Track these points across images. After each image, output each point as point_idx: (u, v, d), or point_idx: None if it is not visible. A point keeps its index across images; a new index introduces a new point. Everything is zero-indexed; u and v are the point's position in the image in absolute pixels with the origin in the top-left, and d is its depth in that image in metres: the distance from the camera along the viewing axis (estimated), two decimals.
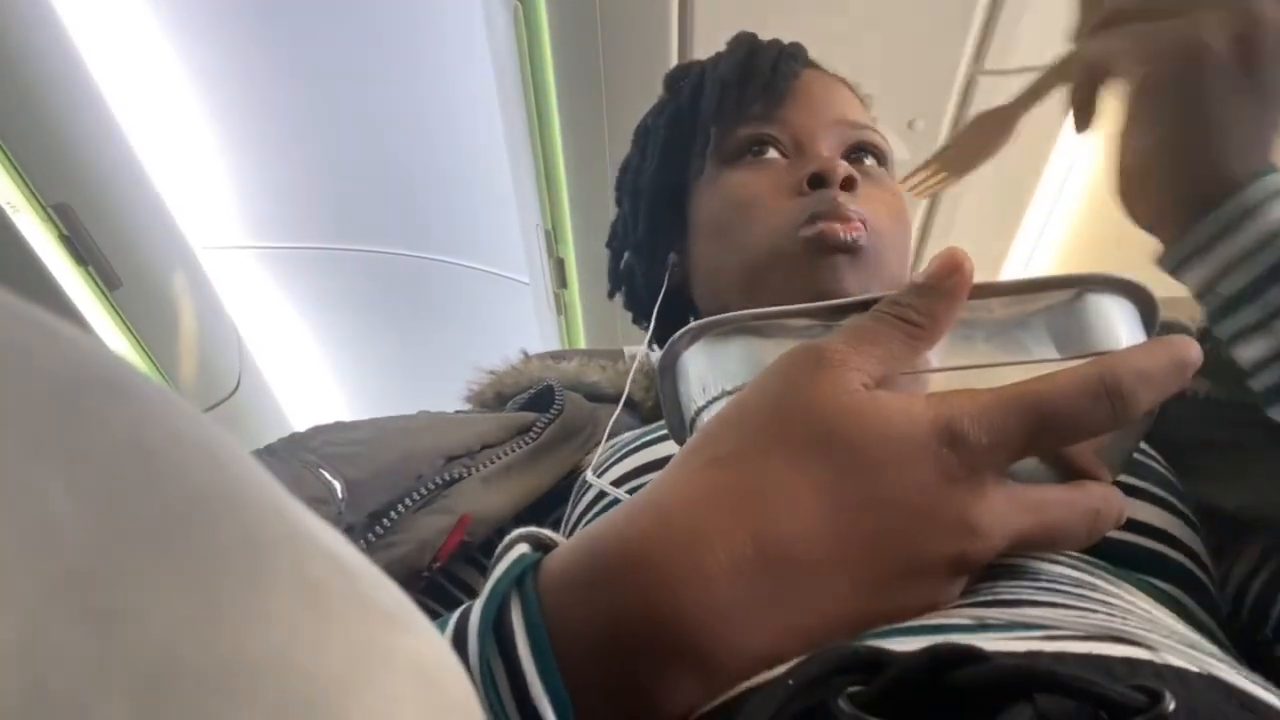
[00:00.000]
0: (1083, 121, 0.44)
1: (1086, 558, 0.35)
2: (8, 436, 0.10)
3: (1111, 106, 0.42)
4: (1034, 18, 1.10)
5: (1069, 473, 0.31)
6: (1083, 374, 0.27)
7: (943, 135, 1.28)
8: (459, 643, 0.26)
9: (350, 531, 0.42)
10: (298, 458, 0.44)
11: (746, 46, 0.59)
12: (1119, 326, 0.31)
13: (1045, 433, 0.27)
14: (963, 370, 0.30)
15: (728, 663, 0.25)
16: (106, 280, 1.45)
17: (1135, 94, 0.40)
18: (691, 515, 0.26)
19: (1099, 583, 0.31)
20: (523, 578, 0.27)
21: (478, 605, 0.26)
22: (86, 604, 0.10)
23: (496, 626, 0.26)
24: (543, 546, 0.29)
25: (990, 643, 0.23)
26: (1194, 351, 0.29)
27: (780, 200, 0.53)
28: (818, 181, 0.52)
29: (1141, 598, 0.32)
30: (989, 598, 0.28)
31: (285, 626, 0.11)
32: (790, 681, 0.22)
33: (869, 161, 0.57)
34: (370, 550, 0.42)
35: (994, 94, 1.22)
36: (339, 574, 0.12)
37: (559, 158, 1.26)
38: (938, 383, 0.30)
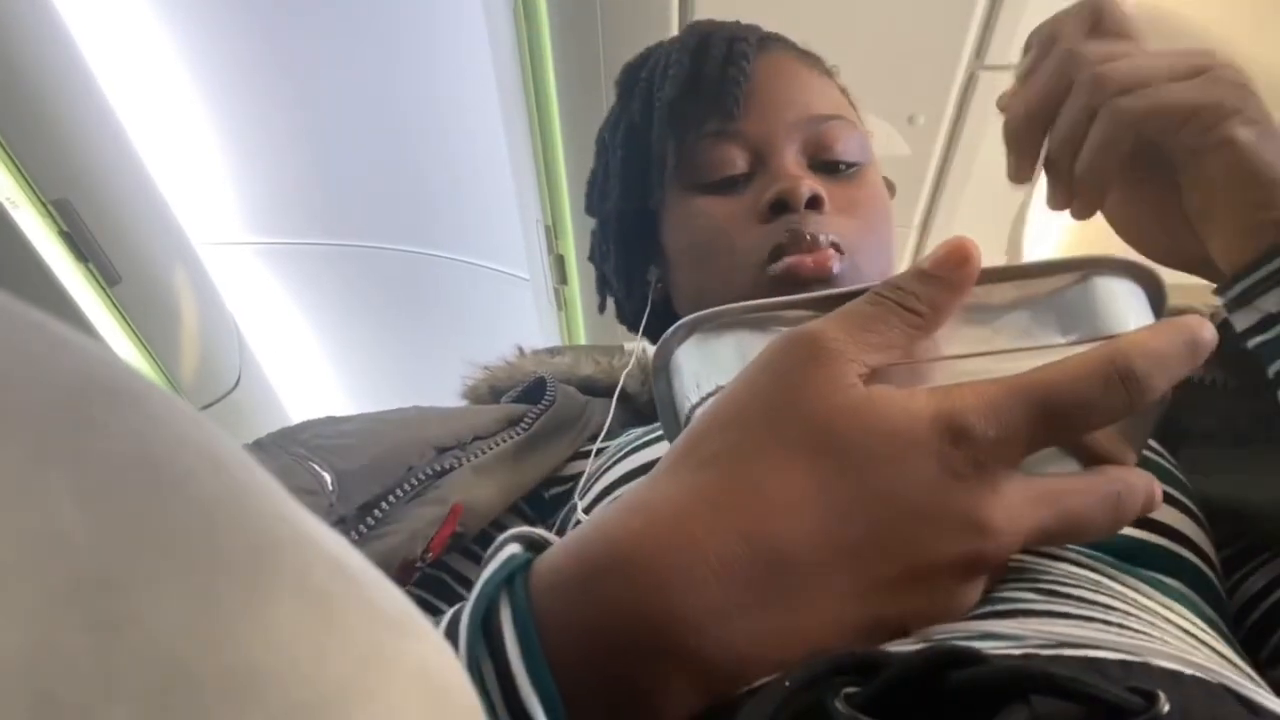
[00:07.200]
0: (1025, 171, 0.43)
1: (1096, 554, 0.34)
2: (14, 443, 0.10)
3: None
4: (1035, 13, 1.10)
5: (1087, 458, 0.30)
6: (1093, 359, 0.26)
7: (943, 131, 1.28)
8: (450, 644, 0.26)
9: (342, 523, 0.42)
10: (287, 451, 0.44)
11: (694, 45, 0.55)
12: (1127, 310, 0.29)
13: (1056, 423, 0.26)
14: (965, 358, 0.29)
15: (723, 664, 0.25)
16: (106, 276, 1.45)
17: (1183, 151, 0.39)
18: (680, 515, 0.26)
19: (1107, 581, 0.31)
20: (512, 578, 0.26)
21: (467, 606, 0.26)
22: (92, 611, 0.10)
23: (486, 628, 0.25)
24: (535, 546, 0.28)
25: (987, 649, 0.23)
26: (1207, 331, 0.28)
27: (745, 230, 0.51)
28: (780, 206, 0.50)
29: (1151, 595, 0.31)
30: (987, 610, 0.28)
31: (290, 633, 0.11)
32: (787, 683, 0.22)
33: (840, 161, 0.53)
34: (362, 541, 0.42)
35: (995, 89, 1.22)
36: (343, 580, 0.13)
37: (559, 153, 1.26)
38: (938, 371, 0.29)
